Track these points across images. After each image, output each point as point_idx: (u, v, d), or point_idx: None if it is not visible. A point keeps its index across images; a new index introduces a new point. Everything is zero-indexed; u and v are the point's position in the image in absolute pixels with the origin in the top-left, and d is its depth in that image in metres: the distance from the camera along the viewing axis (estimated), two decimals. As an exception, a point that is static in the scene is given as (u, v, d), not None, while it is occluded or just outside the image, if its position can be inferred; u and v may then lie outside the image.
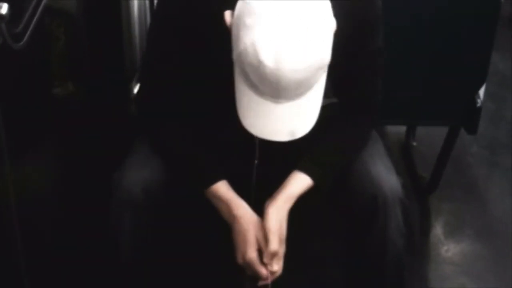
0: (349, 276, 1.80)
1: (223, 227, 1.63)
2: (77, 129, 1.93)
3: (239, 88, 1.43)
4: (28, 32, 1.43)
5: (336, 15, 1.49)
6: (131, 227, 1.63)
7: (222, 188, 1.62)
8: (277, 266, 1.59)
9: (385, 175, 1.66)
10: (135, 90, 1.85)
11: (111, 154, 1.76)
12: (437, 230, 2.48)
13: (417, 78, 2.14)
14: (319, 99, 1.46)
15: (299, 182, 1.63)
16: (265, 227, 1.58)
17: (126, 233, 1.63)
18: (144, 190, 1.61)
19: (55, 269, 1.80)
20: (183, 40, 1.59)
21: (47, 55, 1.72)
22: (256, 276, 1.59)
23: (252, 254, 1.58)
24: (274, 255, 1.58)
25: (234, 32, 1.40)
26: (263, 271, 1.58)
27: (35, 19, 1.46)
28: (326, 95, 1.67)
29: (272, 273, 1.59)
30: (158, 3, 1.70)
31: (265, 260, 1.58)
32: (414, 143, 2.77)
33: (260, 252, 1.59)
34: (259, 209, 1.62)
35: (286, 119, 1.43)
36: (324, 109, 1.65)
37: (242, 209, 1.61)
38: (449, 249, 2.40)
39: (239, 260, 1.60)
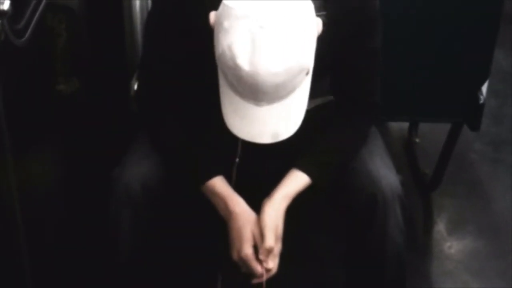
0: (349, 274, 1.80)
1: (222, 223, 1.63)
2: (78, 126, 1.93)
3: (222, 89, 1.44)
4: (30, 28, 1.43)
5: (334, 14, 1.49)
6: (130, 222, 1.63)
7: (219, 184, 1.62)
8: (272, 264, 1.59)
9: (384, 172, 1.66)
10: (135, 87, 1.85)
11: (111, 150, 1.76)
12: (440, 226, 2.48)
13: (419, 74, 2.13)
14: (304, 102, 1.46)
15: (297, 181, 1.63)
16: (261, 223, 1.58)
17: (125, 228, 1.64)
18: (143, 186, 1.62)
19: (55, 264, 1.80)
20: (178, 38, 1.59)
21: (49, 51, 1.73)
22: (251, 273, 1.59)
23: (247, 250, 1.58)
24: (269, 251, 1.58)
25: (215, 34, 1.41)
26: (258, 267, 1.58)
27: (36, 15, 1.46)
28: (323, 93, 1.67)
29: (267, 270, 1.59)
30: (152, 2, 1.70)
31: (261, 256, 1.58)
32: (417, 140, 2.76)
33: (256, 249, 1.59)
34: None
35: (269, 122, 1.43)
36: (322, 107, 1.66)
37: (238, 205, 1.61)
38: (451, 245, 2.40)
39: (235, 256, 1.60)
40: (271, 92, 1.37)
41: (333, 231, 2.17)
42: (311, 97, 1.48)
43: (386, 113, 1.85)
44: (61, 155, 1.88)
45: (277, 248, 1.60)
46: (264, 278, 1.59)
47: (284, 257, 1.61)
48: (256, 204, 1.62)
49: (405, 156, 2.73)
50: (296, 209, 1.63)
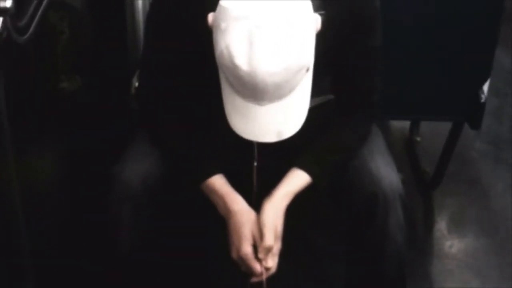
0: (349, 272, 1.80)
1: (221, 221, 1.63)
2: (79, 123, 1.93)
3: (224, 89, 1.44)
4: (32, 26, 1.43)
5: (333, 13, 1.49)
6: (129, 219, 1.64)
7: (218, 182, 1.63)
8: (271, 263, 1.59)
9: (384, 171, 1.66)
10: (136, 85, 1.85)
11: (112, 147, 1.76)
12: (441, 225, 2.48)
13: (421, 73, 2.13)
14: (306, 99, 1.46)
15: (297, 179, 1.63)
16: (260, 222, 1.58)
17: (125, 225, 1.64)
18: (143, 183, 1.62)
19: (55, 260, 1.80)
20: (178, 37, 1.59)
21: (51, 49, 1.73)
22: (251, 272, 1.60)
23: (246, 249, 1.58)
24: (269, 250, 1.58)
25: (213, 35, 1.41)
26: (257, 266, 1.58)
27: (39, 13, 1.46)
28: (324, 92, 1.68)
29: (266, 269, 1.59)
30: (151, 1, 1.70)
31: (260, 255, 1.58)
32: (418, 138, 2.77)
33: (256, 248, 1.59)
34: (259, 208, 1.62)
35: (271, 120, 1.43)
36: (322, 106, 1.66)
37: (238, 204, 1.61)
38: (452, 244, 2.41)
39: (234, 255, 1.60)
40: (271, 91, 1.37)
41: (333, 230, 2.18)
42: (312, 96, 1.48)
43: (387, 112, 1.86)
44: (63, 152, 1.88)
45: (277, 247, 1.60)
46: (264, 277, 1.59)
47: (284, 255, 1.61)
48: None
49: (406, 155, 2.73)
50: (297, 207, 1.63)
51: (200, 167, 1.64)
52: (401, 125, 2.84)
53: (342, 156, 1.68)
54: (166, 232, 1.75)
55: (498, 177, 2.70)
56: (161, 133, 1.68)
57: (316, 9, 1.45)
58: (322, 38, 1.44)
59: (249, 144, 1.52)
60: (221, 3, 1.39)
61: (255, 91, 1.37)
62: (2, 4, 1.27)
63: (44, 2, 1.48)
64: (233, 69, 1.35)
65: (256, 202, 1.64)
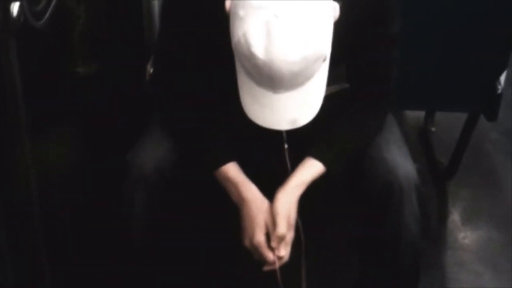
0: (363, 262, 1.80)
1: (233, 207, 1.63)
2: (95, 108, 1.93)
3: (239, 77, 1.44)
4: (49, 11, 1.43)
5: (351, 2, 1.48)
6: (143, 205, 1.64)
7: (232, 170, 1.62)
8: (284, 251, 1.59)
9: (400, 161, 1.65)
10: (151, 71, 1.85)
11: (127, 133, 1.76)
12: (455, 216, 2.48)
13: (437, 63, 2.12)
14: (321, 88, 1.46)
15: (311, 168, 1.63)
16: (273, 211, 1.58)
17: (138, 211, 1.65)
18: (157, 169, 1.62)
19: (70, 245, 1.81)
20: (194, 23, 1.59)
21: (67, 33, 1.73)
22: (263, 261, 1.60)
23: (259, 237, 1.58)
24: (281, 239, 1.58)
25: (230, 22, 1.41)
26: (270, 255, 1.58)
27: (56, -3, 1.46)
28: (339, 80, 1.67)
29: (279, 258, 1.59)
30: None
31: (273, 244, 1.58)
32: (433, 129, 2.76)
33: (268, 237, 1.59)
34: None
35: (287, 109, 1.43)
36: (337, 94, 1.65)
37: (251, 192, 1.61)
38: (466, 235, 2.40)
39: (247, 243, 1.60)
40: (288, 80, 1.37)
41: (347, 219, 2.17)
42: (327, 85, 1.48)
43: (402, 102, 1.85)
44: (78, 137, 1.89)
45: (289, 236, 1.60)
46: (277, 265, 1.59)
47: (298, 243, 1.61)
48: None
49: (420, 145, 2.72)
50: (311, 196, 1.63)
51: (214, 154, 1.64)
52: (416, 115, 2.83)
53: (357, 144, 1.67)
54: (179, 217, 1.75)
55: (513, 168, 2.69)
56: (176, 119, 1.68)
57: None
58: (338, 26, 1.44)
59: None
60: None
61: (271, 80, 1.37)
62: (20, -11, 1.27)
63: (61, -13, 1.48)
64: (250, 57, 1.35)
65: None
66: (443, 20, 2.06)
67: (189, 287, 2.01)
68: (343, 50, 1.50)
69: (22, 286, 1.47)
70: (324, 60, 1.42)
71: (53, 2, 1.45)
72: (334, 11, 1.43)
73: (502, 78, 2.13)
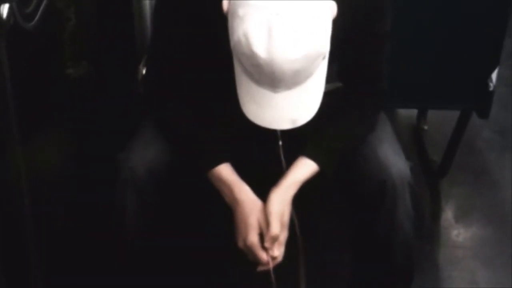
0: (357, 260, 1.80)
1: (227, 209, 1.63)
2: (86, 109, 1.93)
3: (238, 77, 1.43)
4: (39, 12, 1.43)
5: (343, 1, 1.48)
6: (135, 207, 1.64)
7: (225, 171, 1.62)
8: (278, 252, 1.59)
9: (393, 159, 1.65)
10: (143, 71, 1.84)
11: (118, 134, 1.76)
12: (448, 214, 2.48)
13: (429, 61, 2.12)
14: (321, 86, 1.46)
15: (304, 168, 1.63)
16: (266, 211, 1.58)
17: (131, 213, 1.64)
18: (149, 170, 1.62)
19: (62, 247, 1.80)
20: (187, 23, 1.58)
21: (58, 35, 1.72)
22: (257, 261, 1.59)
23: (253, 238, 1.58)
24: (275, 239, 1.58)
25: (229, 22, 1.40)
26: (263, 255, 1.58)
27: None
28: (331, 79, 1.67)
29: (273, 258, 1.58)
30: None
31: (266, 244, 1.58)
32: (425, 127, 2.76)
33: (262, 237, 1.59)
34: None
35: (286, 108, 1.42)
36: (331, 94, 1.65)
37: (244, 193, 1.61)
38: (459, 233, 2.40)
39: (240, 244, 1.60)
40: (289, 79, 1.37)
41: (341, 217, 2.17)
42: None
43: (395, 100, 1.85)
44: (69, 138, 1.88)
45: (283, 236, 1.60)
46: (270, 266, 1.59)
47: (292, 241, 1.61)
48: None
49: (413, 144, 2.72)
50: (304, 194, 1.63)
51: (207, 156, 1.63)
52: (408, 113, 2.83)
53: (350, 143, 1.67)
54: (171, 219, 1.75)
55: (506, 166, 2.69)
56: (168, 120, 1.68)
57: None
58: (333, 26, 1.44)
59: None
60: None
61: (272, 79, 1.37)
62: (9, -10, 1.27)
63: (51, -11, 1.47)
64: (251, 57, 1.34)
65: None
66: (435, 18, 2.06)
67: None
68: (335, 49, 1.50)
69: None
70: (324, 58, 1.42)
71: (43, 4, 1.45)
72: (331, 9, 1.43)
73: (494, 75, 2.13)
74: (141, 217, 1.66)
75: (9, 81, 1.31)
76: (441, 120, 2.71)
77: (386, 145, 1.68)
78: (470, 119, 2.30)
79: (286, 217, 1.60)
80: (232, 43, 1.39)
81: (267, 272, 1.60)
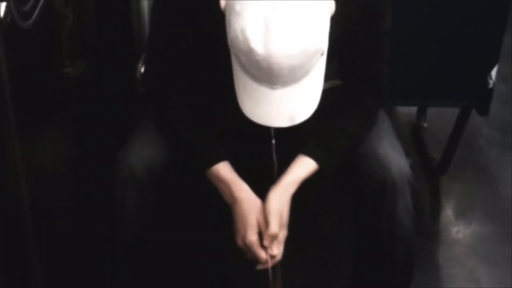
0: (357, 258, 1.80)
1: (226, 207, 1.63)
2: (85, 108, 1.93)
3: (236, 74, 1.43)
4: (37, 11, 1.42)
5: None
6: (134, 204, 1.64)
7: (224, 169, 1.62)
8: (277, 250, 1.58)
9: (393, 156, 1.65)
10: (142, 69, 1.84)
11: (117, 132, 1.75)
12: (448, 211, 2.48)
13: (428, 58, 2.12)
14: (319, 84, 1.45)
15: (303, 166, 1.62)
16: (265, 210, 1.58)
17: (130, 210, 1.64)
18: (148, 168, 1.62)
19: (62, 246, 1.80)
20: (185, 21, 1.58)
21: (56, 34, 1.72)
22: (256, 260, 1.59)
23: (252, 236, 1.57)
24: (274, 238, 1.57)
25: (226, 18, 1.39)
26: (262, 254, 1.58)
27: (43, -3, 1.45)
28: (331, 77, 1.66)
29: (272, 257, 1.58)
30: None
31: (265, 243, 1.58)
32: (425, 124, 2.76)
33: (261, 236, 1.58)
34: None
35: (284, 105, 1.42)
36: (329, 91, 1.65)
37: (243, 192, 1.61)
38: (459, 230, 2.40)
39: (239, 242, 1.60)
40: (286, 75, 1.36)
41: (341, 215, 2.17)
42: None
43: (394, 98, 1.84)
44: (68, 137, 1.88)
45: (282, 234, 1.59)
46: (269, 264, 1.58)
47: (291, 241, 1.61)
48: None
49: (413, 141, 2.72)
50: (304, 192, 1.63)
51: (205, 154, 1.63)
52: (408, 111, 2.84)
53: (350, 141, 1.67)
54: (171, 217, 1.75)
55: (506, 163, 2.69)
56: (167, 118, 1.67)
57: None
58: (332, 22, 1.43)
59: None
60: None
61: (270, 75, 1.36)
62: (7, -11, 1.26)
63: (48, -14, 1.47)
64: (249, 52, 1.34)
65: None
66: (434, 16, 2.06)
67: (182, 286, 2.00)
68: (335, 47, 1.50)
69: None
70: (322, 54, 1.41)
71: (41, 3, 1.44)
72: (330, 6, 1.43)
73: (493, 72, 2.13)
74: (140, 215, 1.66)
75: (7, 80, 1.30)
76: (441, 118, 2.71)
77: (386, 143, 1.68)
78: (470, 117, 2.30)
79: (285, 216, 1.60)
80: (229, 40, 1.38)
81: (266, 271, 1.59)
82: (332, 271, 2.13)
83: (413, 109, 2.81)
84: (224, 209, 1.63)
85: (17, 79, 1.36)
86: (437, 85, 2.18)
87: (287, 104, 1.41)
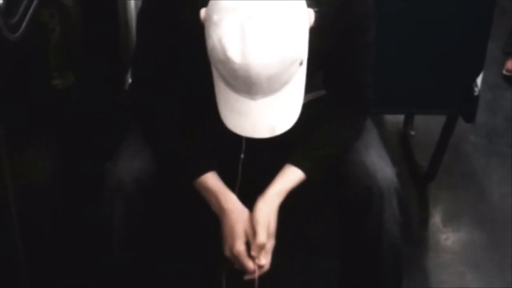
0: (344, 266, 1.80)
1: (213, 218, 1.63)
2: (73, 120, 1.93)
3: (216, 85, 1.43)
4: (24, 23, 1.42)
5: (326, 10, 1.48)
6: (122, 216, 1.64)
7: (211, 180, 1.62)
8: (264, 260, 1.59)
9: (379, 165, 1.66)
10: (130, 81, 1.85)
11: (105, 144, 1.76)
12: (436, 218, 2.49)
13: (414, 67, 2.13)
14: (300, 94, 1.44)
15: (290, 176, 1.63)
16: (253, 220, 1.58)
17: (118, 222, 1.65)
18: (135, 180, 1.62)
19: (50, 257, 1.80)
20: (169, 34, 1.58)
21: (43, 46, 1.72)
22: (244, 270, 1.59)
23: (240, 247, 1.58)
24: (261, 248, 1.58)
25: (205, 29, 1.40)
26: (250, 264, 1.58)
27: (30, 10, 1.45)
28: (316, 88, 1.67)
29: (259, 267, 1.59)
30: None
31: (253, 253, 1.58)
32: (412, 132, 2.77)
33: (249, 246, 1.59)
34: (245, 203, 1.62)
35: (265, 116, 1.41)
36: (314, 102, 1.66)
37: (231, 202, 1.61)
38: (448, 237, 2.41)
39: (227, 252, 1.60)
40: (265, 84, 1.36)
41: (327, 224, 2.17)
42: (305, 92, 1.48)
43: (381, 106, 1.85)
44: (56, 150, 1.88)
45: (270, 244, 1.60)
46: (257, 274, 1.59)
47: (279, 249, 1.61)
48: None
49: (400, 149, 2.73)
50: (291, 200, 1.63)
51: (193, 165, 1.64)
52: (395, 119, 2.85)
53: (336, 151, 1.68)
54: (159, 229, 1.75)
55: (493, 170, 2.71)
56: (154, 130, 1.68)
57: (309, 6, 1.44)
58: (315, 35, 1.44)
59: (238, 136, 1.50)
60: None
61: (249, 84, 1.36)
62: (-7, 2, 1.26)
63: (35, 0, 1.47)
64: (226, 62, 1.34)
65: (240, 195, 1.63)
66: (419, 24, 2.07)
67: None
68: (319, 59, 1.50)
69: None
70: (301, 64, 1.40)
71: (28, 15, 1.44)
72: (309, 17, 1.43)
73: (479, 80, 2.15)
74: (127, 226, 1.66)
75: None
76: (427, 125, 2.73)
77: (372, 152, 1.69)
78: (457, 124, 2.31)
79: (273, 226, 1.60)
80: (208, 50, 1.38)
81: (253, 281, 1.60)
82: (321, 279, 2.13)
83: (401, 117, 2.82)
84: (212, 220, 1.63)
85: (5, 91, 1.37)
86: (424, 93, 2.18)
87: (268, 114, 1.41)
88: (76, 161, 1.95)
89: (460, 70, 2.14)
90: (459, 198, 2.57)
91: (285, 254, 1.65)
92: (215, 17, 1.35)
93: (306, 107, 1.48)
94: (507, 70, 3.17)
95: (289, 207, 1.62)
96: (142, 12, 1.68)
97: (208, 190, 1.62)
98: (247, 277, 1.60)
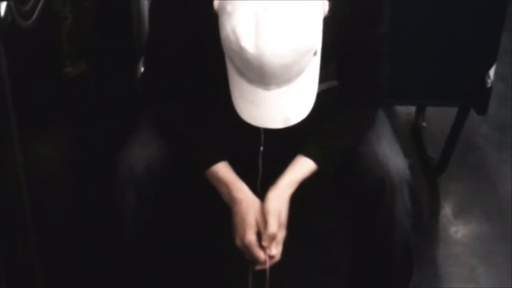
0: (356, 257, 1.80)
1: (224, 207, 1.63)
2: (85, 108, 1.93)
3: (230, 75, 1.43)
4: (37, 11, 1.42)
5: (340, 1, 1.47)
6: (133, 205, 1.64)
7: (223, 170, 1.62)
8: (275, 251, 1.59)
9: (391, 157, 1.65)
10: (142, 70, 1.84)
11: (117, 133, 1.76)
12: (446, 210, 2.48)
13: (426, 58, 2.13)
14: (313, 84, 1.44)
15: (302, 167, 1.63)
16: (264, 210, 1.58)
17: (129, 211, 1.65)
18: (147, 168, 1.62)
19: (62, 246, 1.81)
20: (182, 23, 1.58)
21: (55, 34, 1.72)
22: (254, 260, 1.59)
23: (250, 237, 1.58)
24: (272, 238, 1.58)
25: (219, 19, 1.39)
26: (261, 254, 1.58)
27: (43, -2, 1.45)
28: (328, 79, 1.67)
29: (270, 257, 1.59)
30: None
31: (264, 243, 1.58)
32: (424, 124, 2.76)
33: (260, 236, 1.59)
34: (266, 195, 1.62)
35: (279, 106, 1.41)
36: (326, 93, 1.65)
37: (242, 192, 1.61)
38: (458, 229, 2.41)
39: (238, 242, 1.60)
40: (279, 75, 1.36)
41: (339, 215, 2.18)
42: (318, 83, 1.47)
43: (393, 97, 1.85)
44: (68, 137, 1.88)
45: (281, 235, 1.60)
46: (267, 265, 1.59)
47: (289, 241, 1.61)
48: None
49: (412, 141, 2.72)
50: (303, 192, 1.63)
51: (204, 154, 1.64)
52: (406, 110, 2.84)
53: (348, 142, 1.67)
54: (169, 217, 1.75)
55: (504, 162, 2.70)
56: (166, 119, 1.68)
57: None
58: (329, 25, 1.43)
59: (256, 129, 1.51)
60: None
61: (262, 75, 1.35)
62: (7, -11, 1.26)
63: (48, -14, 1.47)
64: (240, 52, 1.34)
65: (261, 187, 1.63)
66: (432, 15, 2.07)
67: (180, 286, 2.00)
68: (333, 49, 1.50)
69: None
70: (315, 54, 1.40)
71: (41, 3, 1.44)
72: (323, 6, 1.43)
73: (491, 72, 2.14)
74: (139, 216, 1.66)
75: (7, 79, 1.30)
76: (439, 117, 2.72)
77: (384, 143, 1.68)
78: (469, 116, 2.30)
79: (284, 216, 1.60)
80: (222, 40, 1.38)
81: (264, 271, 1.60)
82: (332, 271, 2.13)
83: (412, 109, 2.82)
84: (223, 209, 1.63)
85: (18, 79, 1.37)
86: (436, 84, 2.18)
87: (282, 105, 1.41)
88: (88, 149, 1.95)
89: (472, 61, 2.13)
90: (470, 190, 2.56)
91: (296, 245, 1.65)
92: (229, 7, 1.35)
93: (319, 97, 1.47)
94: None
95: (300, 198, 1.62)
96: (155, 1, 1.68)
97: (219, 180, 1.62)
98: (257, 267, 1.60)
